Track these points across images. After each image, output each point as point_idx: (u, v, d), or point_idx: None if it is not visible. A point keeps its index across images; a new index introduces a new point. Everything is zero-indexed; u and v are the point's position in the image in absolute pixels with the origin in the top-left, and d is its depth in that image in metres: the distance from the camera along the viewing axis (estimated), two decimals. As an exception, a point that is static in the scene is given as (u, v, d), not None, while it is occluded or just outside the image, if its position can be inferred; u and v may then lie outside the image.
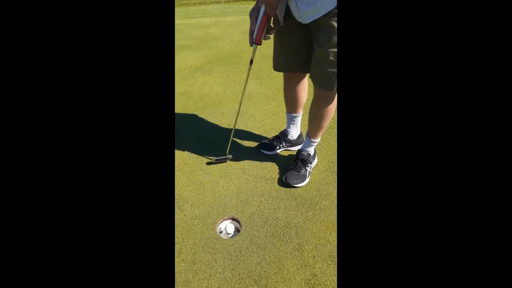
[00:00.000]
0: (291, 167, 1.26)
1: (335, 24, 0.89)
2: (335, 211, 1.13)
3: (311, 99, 1.17)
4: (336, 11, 0.87)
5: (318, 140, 1.26)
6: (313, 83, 1.07)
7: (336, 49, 0.92)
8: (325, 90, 1.03)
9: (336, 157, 1.40)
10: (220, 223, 1.11)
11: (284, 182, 1.23)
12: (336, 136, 1.50)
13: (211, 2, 6.84)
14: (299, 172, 1.24)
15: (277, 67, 1.20)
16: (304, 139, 1.29)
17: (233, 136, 1.37)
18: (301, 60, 1.12)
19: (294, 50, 1.10)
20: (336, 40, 0.90)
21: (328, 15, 0.88)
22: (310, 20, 0.90)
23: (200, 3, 6.82)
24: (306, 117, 1.25)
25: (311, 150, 1.29)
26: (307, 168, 1.26)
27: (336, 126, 1.59)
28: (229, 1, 6.72)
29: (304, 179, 1.24)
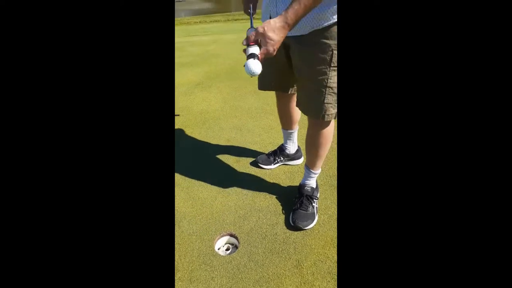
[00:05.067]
0: (297, 207, 1.13)
1: (313, 51, 0.88)
2: (334, 226, 1.12)
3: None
4: (313, 37, 0.86)
5: (318, 171, 1.17)
6: (301, 110, 1.05)
7: (318, 76, 0.90)
8: (313, 119, 1.01)
9: (333, 171, 1.40)
10: (218, 239, 1.10)
11: (293, 226, 1.10)
12: (332, 150, 1.51)
13: (211, 21, 7.06)
14: (306, 211, 1.12)
15: (261, 86, 1.17)
16: (304, 171, 1.21)
17: (231, 151, 1.37)
18: (285, 80, 1.11)
19: (277, 70, 1.07)
20: (317, 67, 0.89)
21: (301, 41, 0.88)
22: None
23: (200, 22, 7.04)
24: (303, 131, 1.26)
25: (313, 183, 1.20)
26: (313, 204, 1.15)
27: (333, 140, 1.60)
28: (228, 20, 6.94)
29: (314, 218, 1.12)
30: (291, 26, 0.68)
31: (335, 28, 0.85)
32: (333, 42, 0.86)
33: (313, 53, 0.89)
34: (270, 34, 0.66)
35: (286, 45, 0.96)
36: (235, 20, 6.92)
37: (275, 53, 0.70)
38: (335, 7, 0.81)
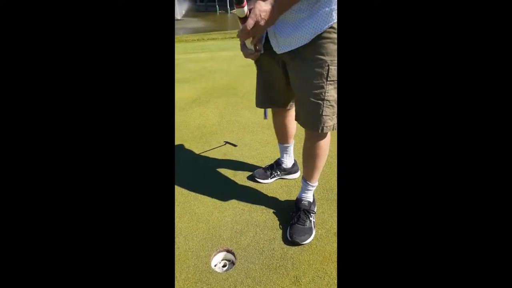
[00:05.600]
0: (294, 221, 1.13)
1: (310, 66, 0.91)
2: (332, 241, 1.11)
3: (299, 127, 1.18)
4: (310, 54, 0.90)
5: (316, 183, 1.17)
6: (300, 124, 1.07)
7: (315, 90, 0.93)
8: (312, 131, 1.03)
9: (330, 185, 1.40)
10: (214, 255, 1.08)
11: (290, 241, 1.09)
12: (328, 163, 1.51)
13: (208, 39, 7.25)
14: (303, 225, 1.12)
15: (258, 103, 1.20)
16: (301, 185, 1.22)
17: (228, 165, 1.37)
18: (281, 96, 1.14)
19: (273, 86, 1.10)
20: (314, 81, 0.92)
21: (299, 57, 0.91)
22: (287, 50, 0.92)
23: (198, 40, 7.21)
24: (299, 145, 1.27)
25: (310, 197, 1.19)
26: (311, 218, 1.15)
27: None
28: (225, 38, 7.12)
29: (311, 233, 1.12)
30: (276, 3, 0.79)
31: (330, 45, 0.88)
32: (329, 58, 0.90)
33: (309, 68, 0.92)
34: (259, 5, 0.79)
35: (283, 63, 1.00)
36: (232, 38, 7.10)
37: (257, 18, 0.78)
38: (333, 7, 0.84)
